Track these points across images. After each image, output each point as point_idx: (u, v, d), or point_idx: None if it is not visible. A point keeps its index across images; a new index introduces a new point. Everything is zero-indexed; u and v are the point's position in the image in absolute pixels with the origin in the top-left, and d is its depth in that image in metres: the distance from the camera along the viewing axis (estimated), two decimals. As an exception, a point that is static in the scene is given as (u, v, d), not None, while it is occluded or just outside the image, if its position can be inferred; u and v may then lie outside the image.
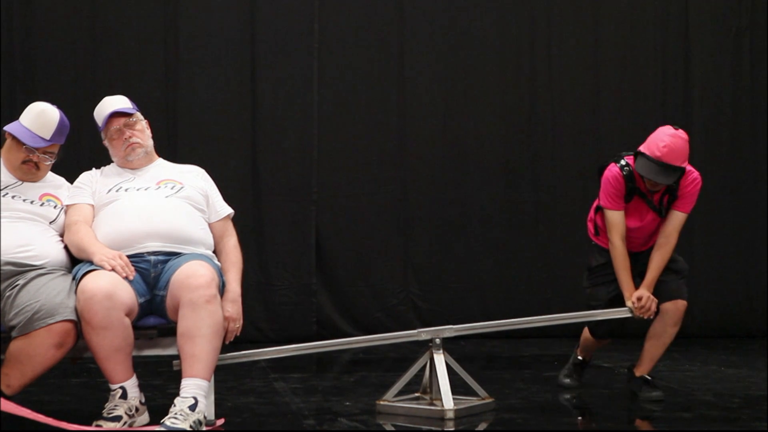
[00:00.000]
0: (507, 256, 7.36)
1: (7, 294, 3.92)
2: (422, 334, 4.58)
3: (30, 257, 4.03)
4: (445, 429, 4.27)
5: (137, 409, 3.98)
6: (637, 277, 4.93)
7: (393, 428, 4.33)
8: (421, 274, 7.33)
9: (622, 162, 4.86)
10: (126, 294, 3.92)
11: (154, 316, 4.11)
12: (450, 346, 4.59)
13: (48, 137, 4.20)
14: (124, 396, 3.94)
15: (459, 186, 7.35)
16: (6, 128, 4.25)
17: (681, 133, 4.77)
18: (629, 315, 4.82)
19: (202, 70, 7.09)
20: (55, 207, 4.26)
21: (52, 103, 4.31)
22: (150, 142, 4.46)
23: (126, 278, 3.97)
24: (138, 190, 4.29)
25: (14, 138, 4.22)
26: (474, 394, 4.61)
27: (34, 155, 4.22)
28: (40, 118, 4.21)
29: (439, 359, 4.47)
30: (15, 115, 4.33)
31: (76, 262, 4.14)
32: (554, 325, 5.18)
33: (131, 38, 7.03)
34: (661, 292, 4.86)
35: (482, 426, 4.38)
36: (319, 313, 7.17)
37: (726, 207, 7.43)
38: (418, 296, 7.30)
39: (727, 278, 7.43)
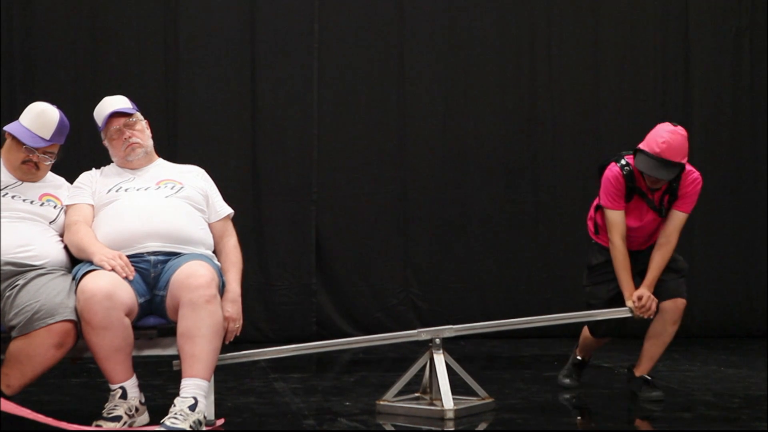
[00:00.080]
0: (507, 256, 7.37)
1: (7, 294, 3.92)
2: (422, 334, 4.58)
3: (30, 257, 4.03)
4: (445, 429, 4.26)
5: (137, 409, 3.97)
6: (637, 276, 4.93)
7: (393, 428, 4.33)
8: (421, 274, 7.33)
9: (623, 161, 4.86)
10: (126, 294, 3.92)
11: (154, 316, 4.11)
12: (450, 346, 4.59)
13: (48, 137, 4.20)
14: (124, 396, 3.94)
15: (459, 186, 7.35)
16: (6, 128, 4.25)
17: (680, 129, 4.77)
18: (629, 315, 4.82)
19: (202, 70, 7.09)
20: (55, 207, 4.26)
21: (52, 103, 4.31)
22: (150, 142, 4.46)
23: (126, 278, 3.97)
24: (138, 190, 4.29)
25: (14, 138, 4.21)
26: (474, 394, 4.61)
27: (34, 155, 4.22)
28: (40, 118, 4.21)
29: (439, 359, 4.47)
30: (15, 115, 4.33)
31: (76, 262, 4.14)
32: (554, 325, 5.17)
33: (131, 38, 7.03)
34: (661, 290, 4.86)
35: (482, 426, 4.38)
36: (319, 313, 7.18)
37: (726, 207, 7.43)
38: (418, 296, 7.30)
39: (727, 278, 7.43)
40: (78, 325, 3.87)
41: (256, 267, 7.04)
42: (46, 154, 4.25)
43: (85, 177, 4.40)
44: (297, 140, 7.20)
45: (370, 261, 7.29)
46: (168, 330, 4.12)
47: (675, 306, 4.87)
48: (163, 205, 4.22)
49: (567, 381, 5.25)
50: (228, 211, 4.44)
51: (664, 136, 4.71)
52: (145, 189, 4.29)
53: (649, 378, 4.91)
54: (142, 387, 4.05)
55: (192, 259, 4.06)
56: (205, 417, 3.86)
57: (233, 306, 4.16)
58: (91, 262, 4.02)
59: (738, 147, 7.49)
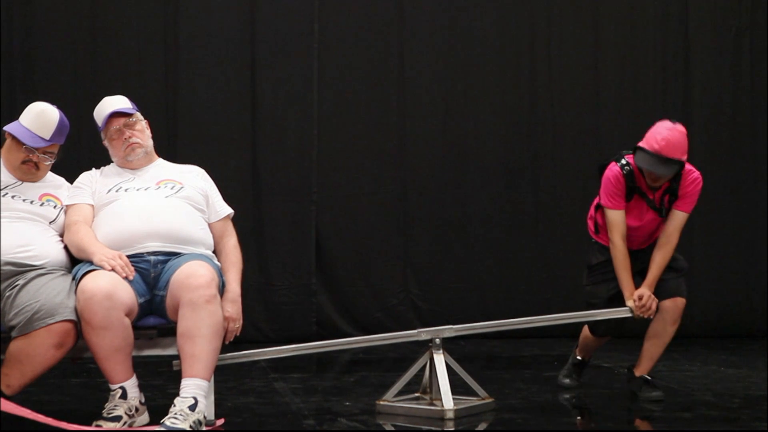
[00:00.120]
0: (507, 256, 7.36)
1: (7, 294, 3.92)
2: (422, 334, 4.58)
3: (30, 257, 4.03)
4: (445, 429, 4.26)
5: (137, 409, 3.98)
6: (636, 275, 4.93)
7: (393, 428, 4.33)
8: (421, 274, 7.33)
9: (623, 161, 4.86)
10: (126, 294, 3.92)
11: (154, 316, 4.11)
12: (450, 346, 4.59)
13: (48, 137, 4.20)
14: (124, 396, 3.94)
15: (459, 186, 7.35)
16: (6, 128, 4.25)
17: (679, 126, 4.77)
18: (629, 315, 4.82)
19: (202, 70, 7.09)
20: (54, 207, 4.26)
21: (52, 103, 4.31)
22: (150, 142, 4.46)
23: (126, 278, 3.97)
24: (138, 190, 4.29)
25: (14, 138, 4.21)
26: (474, 394, 4.61)
27: (34, 155, 4.22)
28: (40, 118, 4.21)
29: (439, 359, 4.47)
30: (15, 115, 4.33)
31: (76, 262, 4.14)
32: (554, 325, 5.18)
33: (131, 38, 7.03)
34: (661, 290, 4.86)
35: (482, 426, 4.38)
36: (319, 313, 7.18)
37: (726, 207, 7.43)
38: (418, 296, 7.30)
39: (727, 278, 7.43)
40: (78, 325, 3.87)
41: (256, 267, 7.04)
42: (46, 154, 4.26)
43: (85, 177, 4.40)
44: (297, 140, 7.20)
45: (370, 261, 7.28)
46: (168, 330, 4.12)
47: (675, 305, 4.87)
48: (163, 205, 4.22)
49: (567, 381, 5.25)
50: (228, 211, 4.44)
51: (663, 133, 4.71)
52: (145, 189, 4.29)
53: (649, 378, 4.91)
54: (142, 387, 4.05)
55: (192, 259, 4.06)
56: (205, 417, 3.86)
57: (233, 306, 4.16)
58: (91, 262, 4.02)
59: (738, 147, 7.49)
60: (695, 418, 4.50)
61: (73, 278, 4.01)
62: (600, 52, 7.46)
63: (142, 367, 4.44)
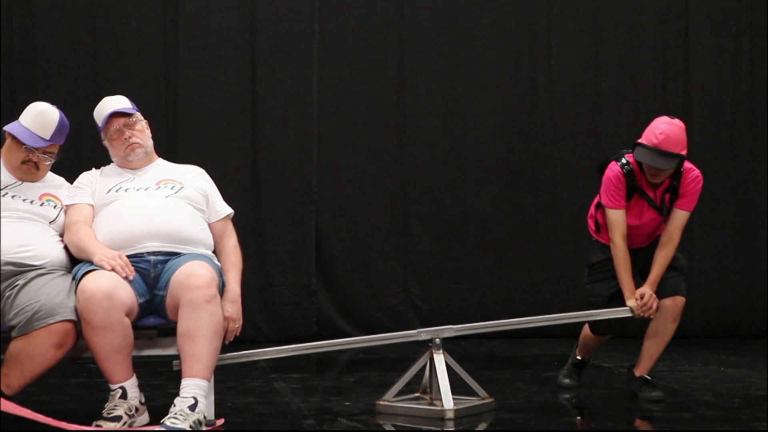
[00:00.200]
0: (507, 256, 7.36)
1: (7, 294, 3.92)
2: (422, 334, 4.58)
3: (30, 257, 4.03)
4: (445, 429, 4.26)
5: (137, 409, 3.98)
6: (637, 274, 4.94)
7: (393, 428, 4.33)
8: (421, 274, 7.33)
9: (623, 160, 4.86)
10: (126, 294, 3.92)
11: (154, 316, 4.11)
12: (450, 346, 4.59)
13: (48, 137, 4.20)
14: (124, 396, 3.94)
15: (459, 186, 7.35)
16: (6, 128, 4.25)
17: (677, 121, 4.78)
18: (630, 314, 4.82)
19: (202, 70, 7.09)
20: (54, 207, 4.26)
21: (52, 103, 4.31)
22: (150, 142, 4.46)
23: (126, 278, 3.97)
24: (138, 190, 4.29)
25: (14, 138, 4.21)
26: (474, 394, 4.61)
27: (34, 155, 4.22)
28: (40, 118, 4.21)
29: (439, 359, 4.47)
30: (15, 115, 4.33)
31: (76, 262, 4.14)
32: (554, 325, 5.18)
33: (131, 38, 7.03)
34: (660, 289, 4.86)
35: (482, 426, 4.38)
36: (319, 313, 7.17)
37: (726, 207, 7.42)
38: (418, 296, 7.30)
39: (727, 278, 7.43)
40: (78, 325, 3.87)
41: (256, 267, 7.03)
42: (46, 154, 4.26)
43: (85, 177, 4.40)
44: (297, 140, 7.20)
45: (370, 261, 7.28)
46: (168, 330, 4.12)
47: (674, 304, 4.87)
48: (163, 205, 4.22)
49: (567, 381, 5.25)
50: (228, 211, 4.44)
51: (662, 128, 4.72)
52: (145, 189, 4.29)
53: (649, 378, 4.91)
54: (142, 387, 4.05)
55: (192, 259, 4.06)
56: (205, 417, 3.86)
57: (233, 306, 4.16)
58: (91, 262, 4.02)
59: (738, 147, 7.49)
60: (695, 418, 4.50)
61: (73, 278, 4.01)
62: (600, 52, 7.46)
63: (142, 367, 4.44)
